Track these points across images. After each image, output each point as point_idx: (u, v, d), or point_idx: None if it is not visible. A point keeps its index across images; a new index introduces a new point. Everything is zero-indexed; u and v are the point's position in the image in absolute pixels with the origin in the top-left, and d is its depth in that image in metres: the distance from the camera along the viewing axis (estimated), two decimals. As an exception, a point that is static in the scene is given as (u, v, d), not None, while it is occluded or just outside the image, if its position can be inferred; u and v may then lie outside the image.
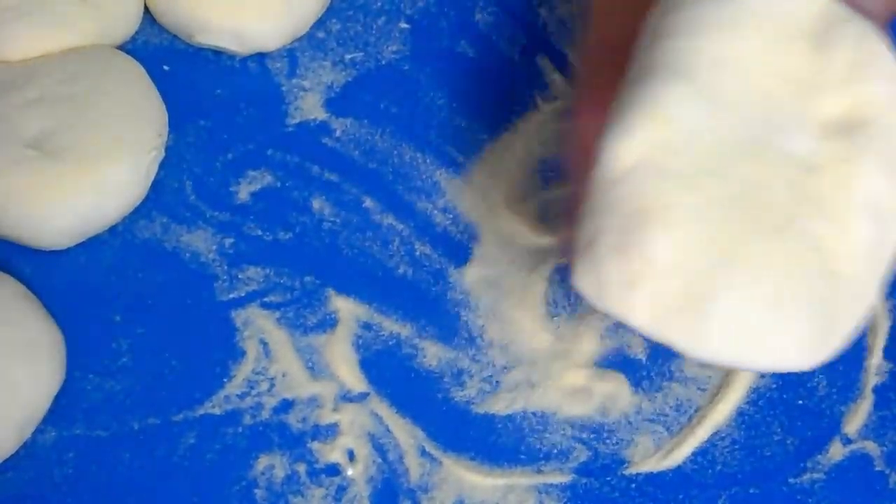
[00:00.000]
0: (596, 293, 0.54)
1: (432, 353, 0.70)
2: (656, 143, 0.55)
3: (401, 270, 0.72)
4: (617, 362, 0.70)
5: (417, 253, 0.73)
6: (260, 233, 0.72)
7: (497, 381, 0.70)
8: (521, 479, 0.66)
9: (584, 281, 0.54)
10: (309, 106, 0.77)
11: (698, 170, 0.54)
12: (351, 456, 0.66)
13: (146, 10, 0.78)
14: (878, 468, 0.66)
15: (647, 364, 0.70)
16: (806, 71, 0.55)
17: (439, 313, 0.71)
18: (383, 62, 0.79)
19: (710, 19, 0.55)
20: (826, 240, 0.53)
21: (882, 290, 0.72)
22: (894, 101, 0.54)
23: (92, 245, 0.71)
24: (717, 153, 0.54)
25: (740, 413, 0.68)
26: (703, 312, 0.52)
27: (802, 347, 0.53)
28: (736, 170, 0.54)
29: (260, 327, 0.69)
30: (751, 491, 0.66)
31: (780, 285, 0.53)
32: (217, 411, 0.67)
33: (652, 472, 0.66)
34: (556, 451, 0.68)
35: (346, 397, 0.68)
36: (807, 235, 0.53)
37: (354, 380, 0.68)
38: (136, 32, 0.78)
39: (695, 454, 0.66)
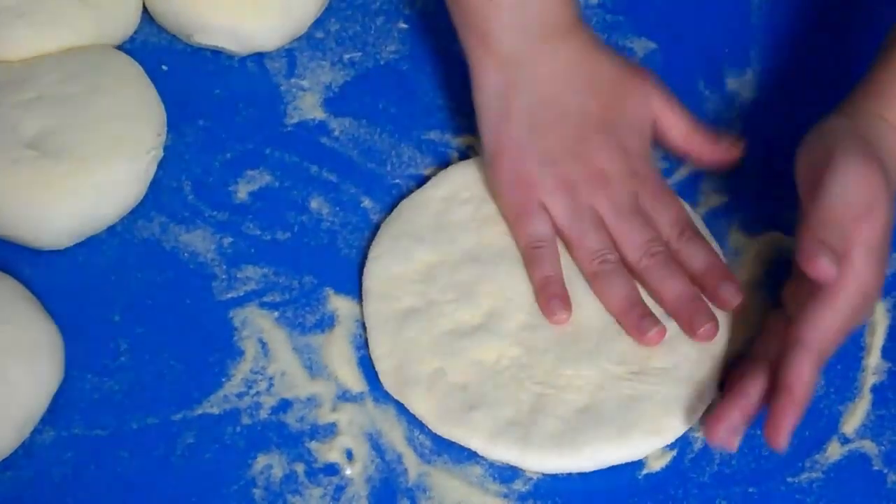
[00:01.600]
0: (435, 418, 0.66)
1: (431, 353, 0.70)
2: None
3: (399, 270, 0.72)
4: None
5: (416, 252, 0.73)
6: (258, 232, 0.72)
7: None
8: (521, 478, 0.66)
9: (422, 408, 0.66)
10: (307, 106, 0.77)
11: (523, 325, 0.68)
12: (349, 455, 0.66)
13: (145, 9, 0.78)
14: (875, 467, 0.66)
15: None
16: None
17: (438, 313, 0.71)
18: (382, 62, 0.79)
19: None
20: (627, 353, 0.67)
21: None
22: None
23: (91, 245, 0.71)
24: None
25: (739, 412, 0.68)
26: (526, 434, 0.65)
27: (621, 444, 0.65)
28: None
29: (258, 327, 0.69)
30: (750, 490, 0.66)
31: (589, 397, 0.66)
32: (215, 411, 0.67)
33: (652, 472, 0.66)
34: (554, 450, 0.68)
35: (345, 397, 0.67)
36: (611, 353, 0.67)
37: (353, 379, 0.68)
38: (135, 32, 0.78)
39: (695, 454, 0.66)
